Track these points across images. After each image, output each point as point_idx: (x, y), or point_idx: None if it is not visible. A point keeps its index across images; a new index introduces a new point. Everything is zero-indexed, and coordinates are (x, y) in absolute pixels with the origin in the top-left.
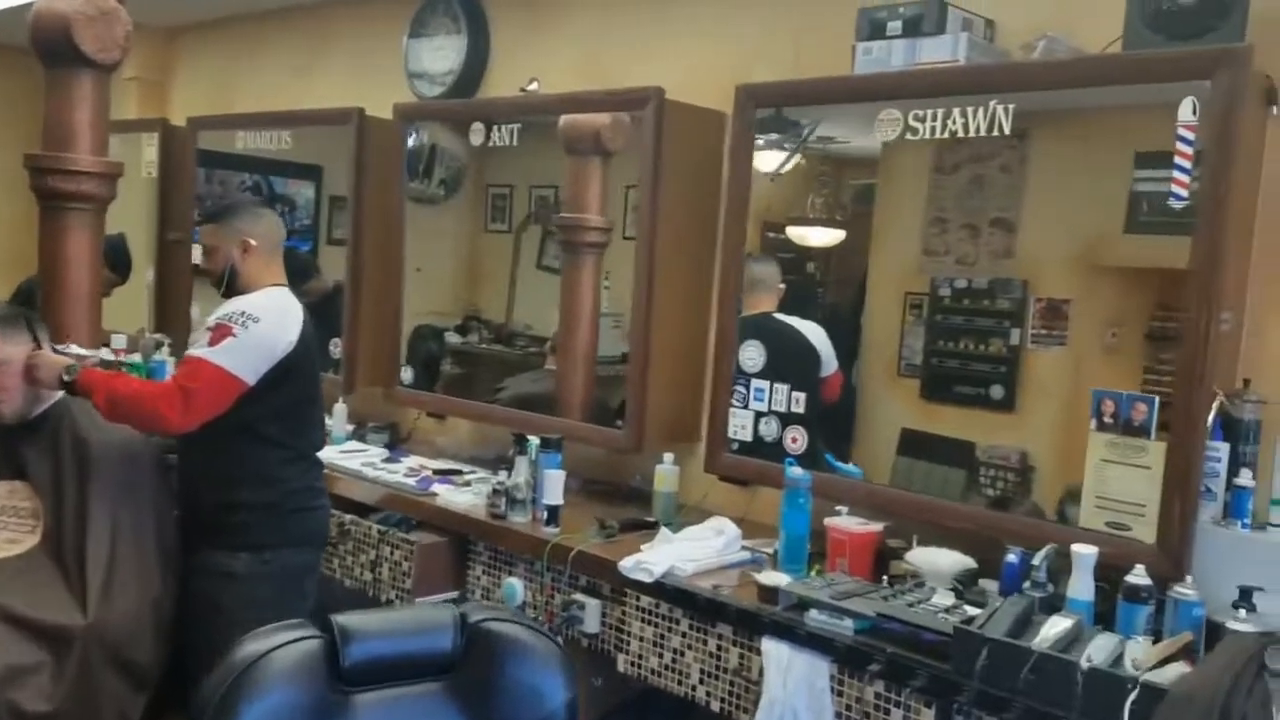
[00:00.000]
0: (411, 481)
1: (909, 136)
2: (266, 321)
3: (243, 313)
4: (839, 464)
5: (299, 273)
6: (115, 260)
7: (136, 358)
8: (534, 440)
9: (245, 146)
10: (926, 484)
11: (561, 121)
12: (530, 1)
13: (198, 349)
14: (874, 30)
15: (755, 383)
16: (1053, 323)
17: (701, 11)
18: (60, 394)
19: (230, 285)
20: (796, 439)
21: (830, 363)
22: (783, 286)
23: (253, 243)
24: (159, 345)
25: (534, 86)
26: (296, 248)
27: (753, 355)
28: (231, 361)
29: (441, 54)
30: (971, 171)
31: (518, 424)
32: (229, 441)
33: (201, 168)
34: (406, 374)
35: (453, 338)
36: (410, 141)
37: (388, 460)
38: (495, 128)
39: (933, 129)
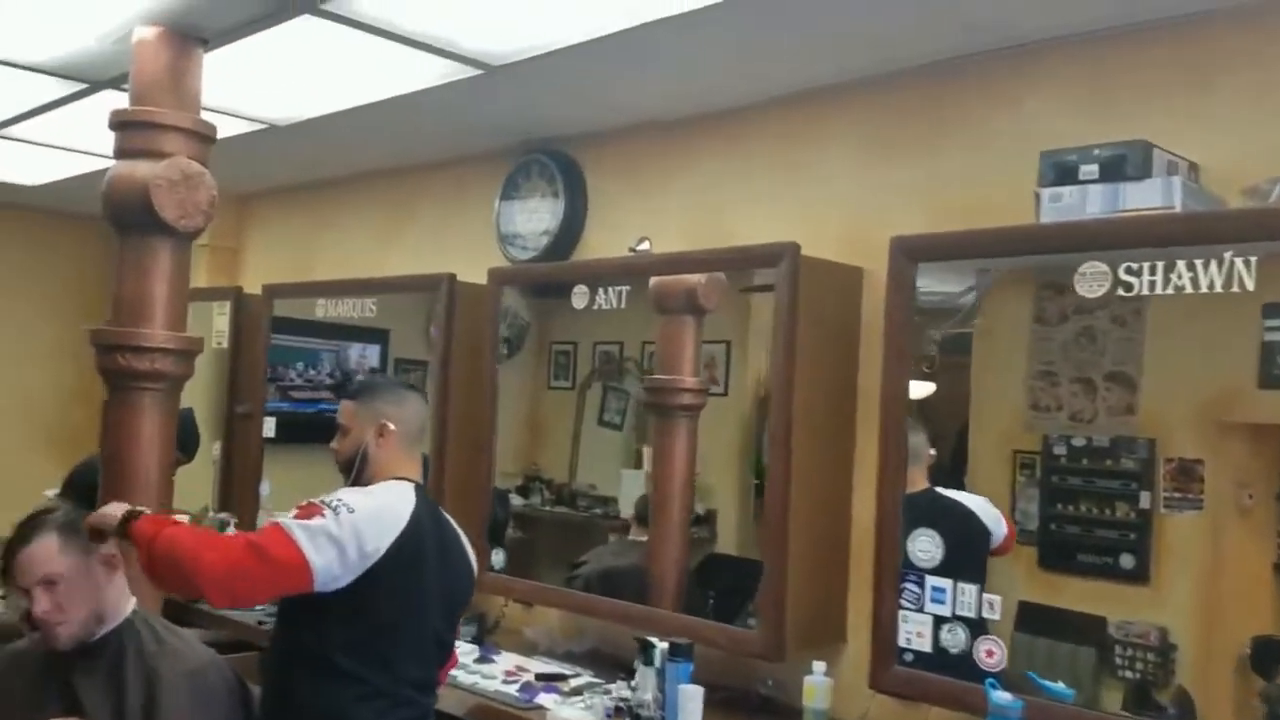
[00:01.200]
0: (513, 690)
1: (1121, 293)
2: (362, 515)
3: (340, 499)
4: (1045, 683)
5: None
6: (184, 438)
7: None
8: (660, 645)
9: (326, 314)
10: (1050, 664)
11: (653, 280)
12: (631, 160)
13: (280, 516)
14: (1061, 175)
15: (933, 580)
16: (1186, 484)
17: (815, 165)
18: (125, 615)
19: (359, 473)
20: (993, 652)
21: (999, 529)
22: (933, 454)
23: (391, 427)
24: (224, 525)
25: (645, 246)
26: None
27: (926, 547)
28: (309, 543)
29: (536, 216)
30: (1079, 323)
31: (627, 618)
32: (298, 668)
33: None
34: (498, 557)
35: (515, 500)
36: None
37: (480, 660)
38: (601, 290)
39: (1151, 284)
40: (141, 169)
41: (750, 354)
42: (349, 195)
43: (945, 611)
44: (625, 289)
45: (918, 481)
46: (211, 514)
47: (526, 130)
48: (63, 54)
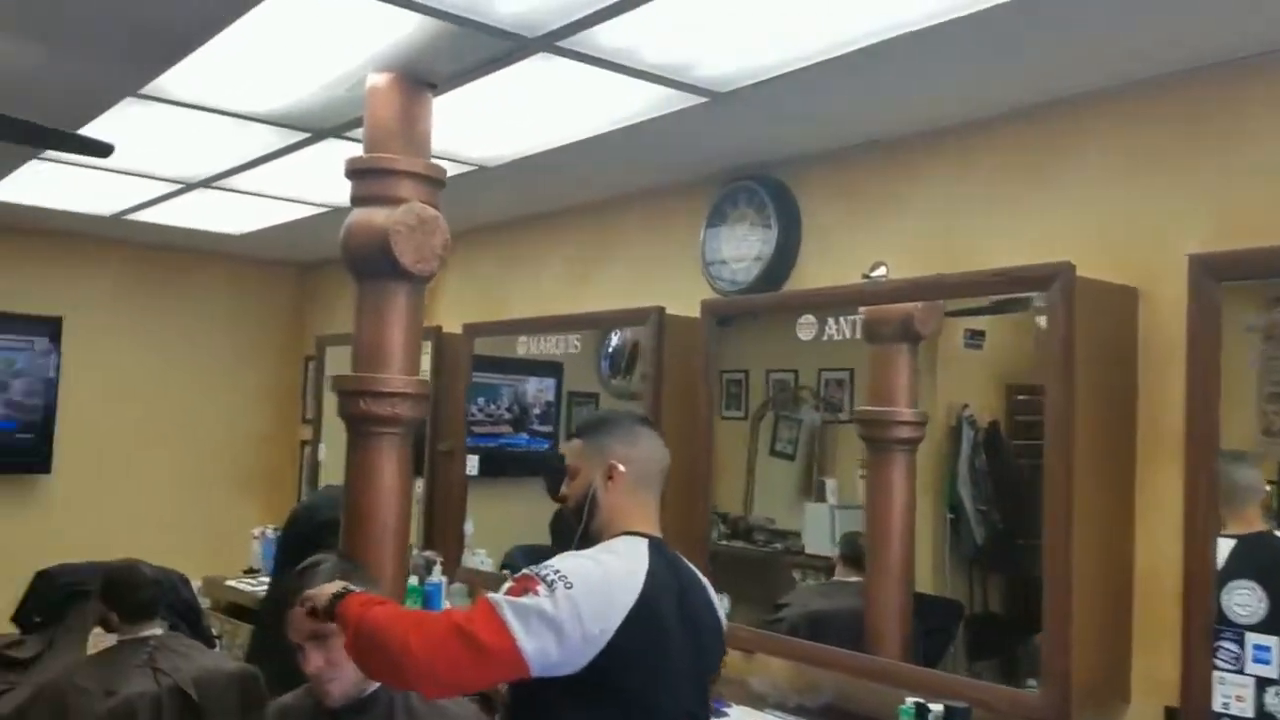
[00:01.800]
0: None
1: None
2: (583, 591)
3: (558, 571)
4: None
5: None
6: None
7: (413, 580)
8: (935, 709)
9: (528, 352)
10: None
11: (864, 308)
12: (849, 183)
13: (496, 593)
14: None
15: (1255, 637)
16: None
17: (1067, 180)
18: None
19: (588, 522)
20: None
21: None
22: (1268, 490)
23: (621, 469)
24: (430, 565)
25: (881, 272)
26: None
27: (1246, 601)
28: (520, 625)
29: (746, 244)
30: None
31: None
32: None
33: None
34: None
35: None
36: (614, 340)
37: (717, 717)
38: (832, 319)
39: None
40: (380, 216)
41: (940, 381)
42: (543, 231)
43: (1273, 674)
44: (856, 318)
45: (1252, 522)
46: (416, 552)
47: (736, 157)
48: (285, 104)
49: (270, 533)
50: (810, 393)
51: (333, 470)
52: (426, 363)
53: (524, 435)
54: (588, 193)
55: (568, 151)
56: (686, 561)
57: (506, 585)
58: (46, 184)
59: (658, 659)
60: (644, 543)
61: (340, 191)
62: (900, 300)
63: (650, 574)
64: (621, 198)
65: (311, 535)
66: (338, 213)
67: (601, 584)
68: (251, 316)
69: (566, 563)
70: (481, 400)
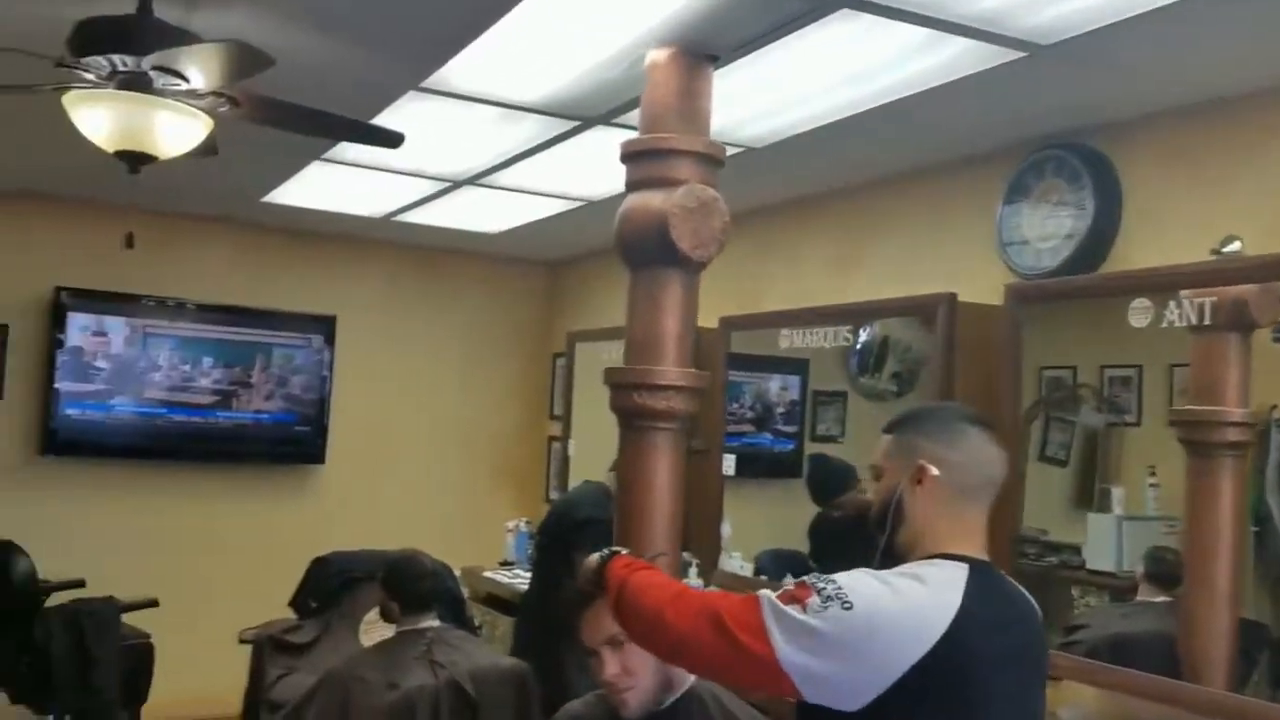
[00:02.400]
0: None
1: None
2: (862, 616)
3: (840, 587)
4: None
5: (834, 483)
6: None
7: None
8: None
9: (791, 346)
10: None
11: (1184, 291)
12: (1182, 148)
13: (769, 591)
14: None
15: None
16: None
17: None
18: (689, 682)
19: (892, 533)
20: None
21: None
22: None
23: (934, 472)
24: (686, 567)
25: (1235, 247)
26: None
27: None
28: (780, 630)
29: (1054, 221)
30: None
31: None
32: None
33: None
34: None
35: None
36: (863, 335)
37: None
38: (1172, 305)
39: None
40: (657, 200)
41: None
42: (803, 217)
43: None
44: (1209, 301)
45: None
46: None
47: (1045, 122)
48: (558, 90)
49: (524, 526)
50: (1091, 392)
51: (581, 467)
52: None
53: (767, 435)
54: (857, 173)
55: (844, 127)
56: (1019, 589)
57: (787, 582)
58: (325, 187)
59: (967, 709)
60: (963, 569)
61: (597, 184)
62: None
63: (963, 610)
64: (895, 176)
65: (571, 531)
66: (590, 208)
67: (893, 616)
68: (504, 314)
69: (857, 581)
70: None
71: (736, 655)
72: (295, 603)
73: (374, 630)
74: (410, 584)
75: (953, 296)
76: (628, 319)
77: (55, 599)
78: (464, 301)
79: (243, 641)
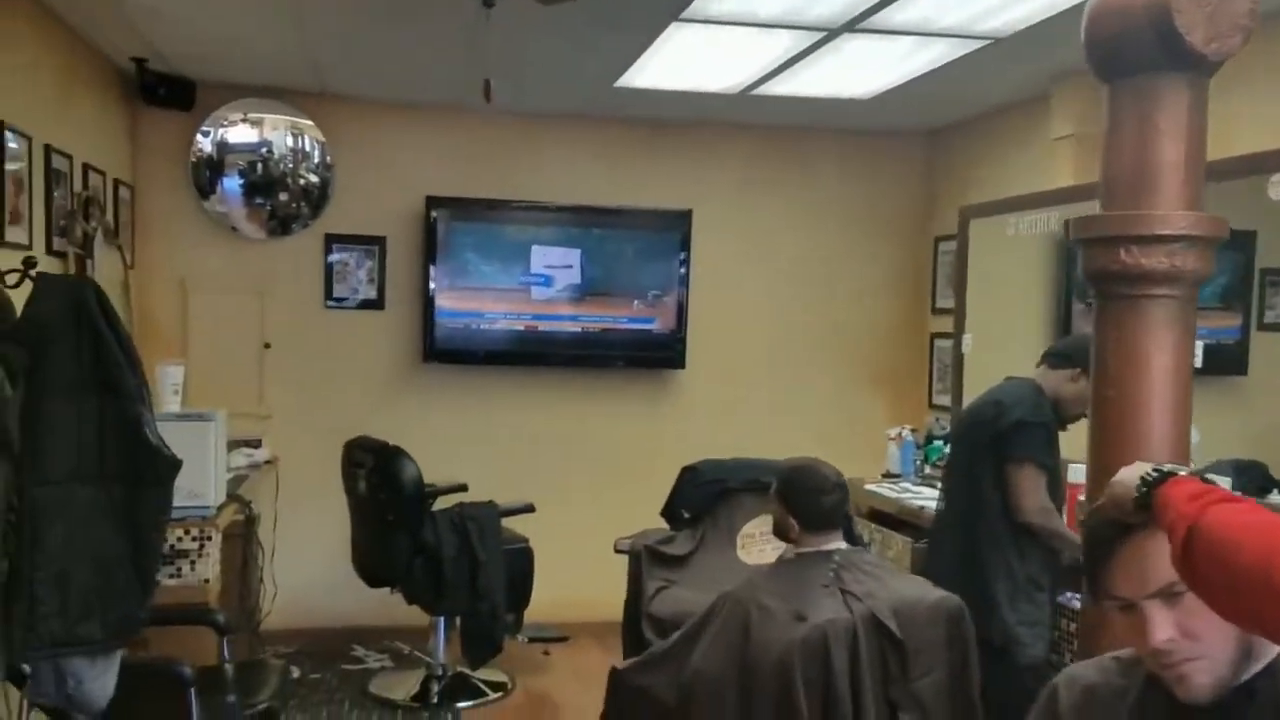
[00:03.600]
0: None
1: None
2: None
3: None
4: None
5: None
6: None
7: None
8: None
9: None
10: None
11: None
12: None
13: None
14: None
15: None
16: None
17: None
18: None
19: None
20: None
21: None
22: None
23: None
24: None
25: None
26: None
27: None
28: None
29: None
30: None
31: None
32: None
33: None
34: None
35: None
36: None
37: None
38: None
39: None
40: None
41: None
42: None
43: None
44: None
45: None
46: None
47: None
48: None
49: (908, 435)
50: None
51: (980, 366)
52: None
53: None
54: None
55: None
56: None
57: None
58: (681, 60)
59: None
60: None
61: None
62: None
63: None
64: None
65: (1001, 439)
66: (991, 51)
67: None
68: (876, 195)
69: None
70: None
71: None
72: (667, 512)
73: (752, 545)
74: (811, 498)
75: None
76: (1105, 149)
77: (440, 504)
78: (829, 184)
79: (618, 551)
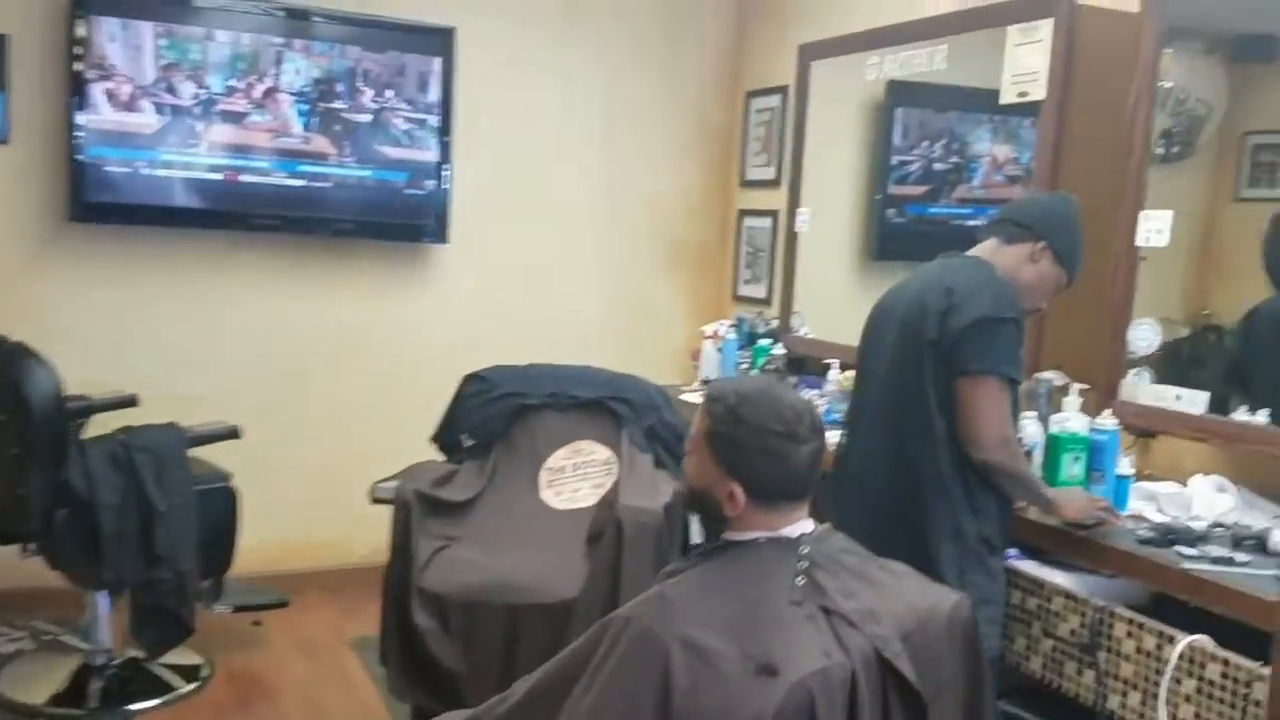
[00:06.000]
0: None
1: None
2: None
3: None
4: None
5: None
6: None
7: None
8: None
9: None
10: None
11: None
12: None
13: None
14: None
15: None
16: None
17: None
18: None
19: None
20: None
21: None
22: None
23: None
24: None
25: None
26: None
27: None
28: None
29: None
30: None
31: None
32: None
33: None
34: None
35: None
36: None
37: None
38: None
39: None
40: None
41: None
42: None
43: None
44: None
45: None
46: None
47: None
48: None
49: (728, 332)
50: None
51: (816, 248)
52: (1039, 59)
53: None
54: None
55: None
56: None
57: None
58: None
59: None
60: None
61: None
62: None
63: None
64: None
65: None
66: None
67: None
68: (677, 31)
69: None
70: None
71: None
72: (442, 437)
73: (562, 483)
74: (774, 450)
75: None
76: None
77: (97, 427)
78: (626, 12)
79: (377, 501)
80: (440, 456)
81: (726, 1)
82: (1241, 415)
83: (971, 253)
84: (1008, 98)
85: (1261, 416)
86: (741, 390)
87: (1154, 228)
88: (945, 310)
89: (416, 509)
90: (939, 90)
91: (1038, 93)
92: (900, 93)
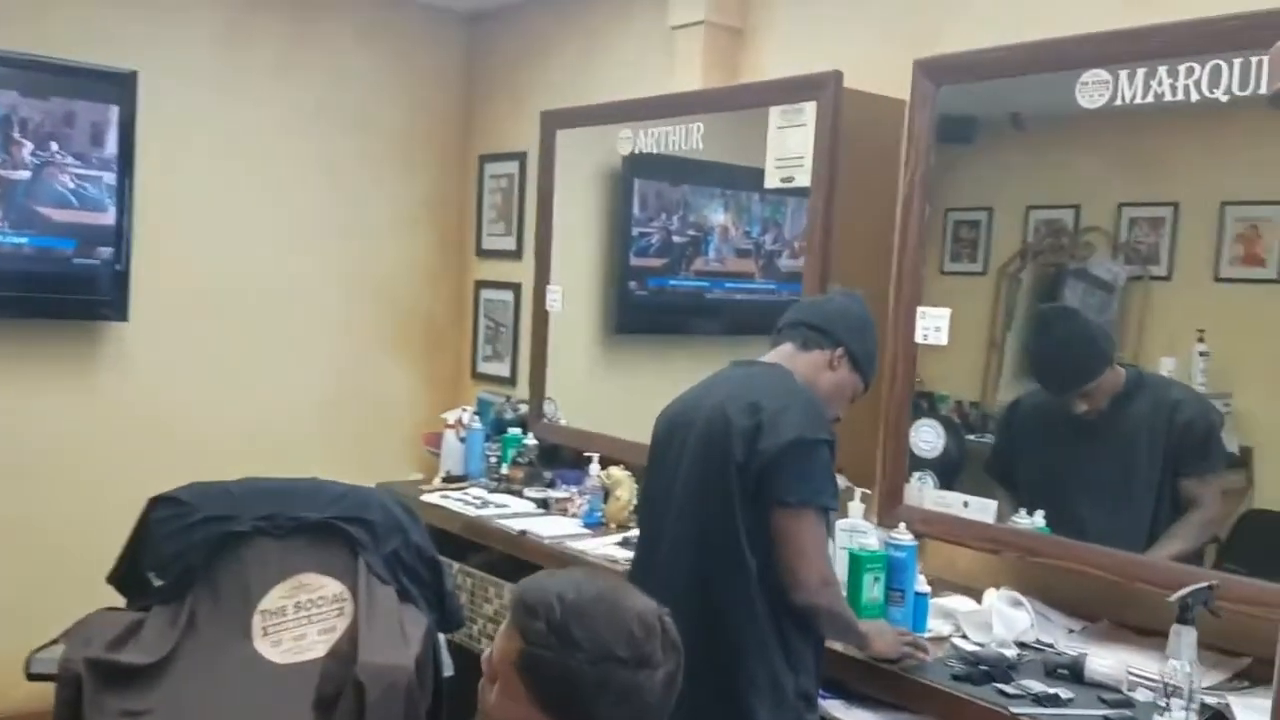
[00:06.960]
0: None
1: None
2: None
3: None
4: None
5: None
6: None
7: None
8: None
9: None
10: None
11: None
12: None
13: None
14: None
15: None
16: None
17: None
18: None
19: None
20: None
21: None
22: None
23: None
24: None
25: None
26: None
27: None
28: None
29: None
30: None
31: None
32: None
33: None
34: None
35: None
36: None
37: None
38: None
39: None
40: None
41: None
42: None
43: None
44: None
45: None
46: None
47: None
48: None
49: (472, 421)
50: (1105, 235)
51: (561, 322)
52: (803, 142)
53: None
54: None
55: None
56: None
57: None
58: None
59: None
60: None
61: None
62: None
63: None
64: None
65: (765, 466)
66: None
67: None
68: (404, 88)
69: None
70: None
71: None
72: (120, 577)
73: (283, 630)
74: (620, 681)
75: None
76: None
77: None
78: (346, 64)
79: (35, 678)
80: (120, 600)
81: (456, 61)
82: (1022, 519)
83: (767, 358)
84: (772, 182)
85: (1038, 518)
86: (568, 598)
87: (932, 325)
88: (753, 430)
89: (90, 682)
90: (675, 162)
91: (803, 179)
92: (638, 164)
